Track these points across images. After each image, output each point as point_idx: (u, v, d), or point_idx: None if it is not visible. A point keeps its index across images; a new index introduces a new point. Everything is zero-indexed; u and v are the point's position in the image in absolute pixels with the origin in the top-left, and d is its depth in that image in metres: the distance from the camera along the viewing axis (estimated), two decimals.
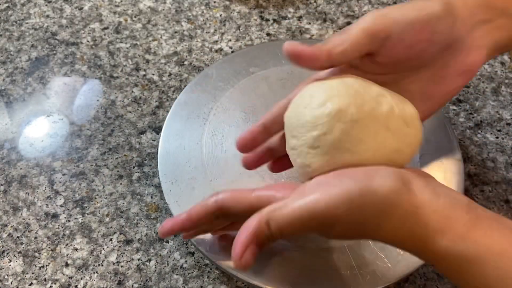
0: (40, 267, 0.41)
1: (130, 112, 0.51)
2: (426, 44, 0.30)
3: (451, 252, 0.26)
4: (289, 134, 0.31)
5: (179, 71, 0.54)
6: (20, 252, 0.42)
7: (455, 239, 0.26)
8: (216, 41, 0.57)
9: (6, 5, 0.61)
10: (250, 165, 0.37)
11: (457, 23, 0.30)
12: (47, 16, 0.60)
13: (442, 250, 0.26)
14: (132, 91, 0.53)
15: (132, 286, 0.40)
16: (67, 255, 0.42)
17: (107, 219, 0.44)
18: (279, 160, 0.37)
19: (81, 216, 0.44)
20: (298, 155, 0.31)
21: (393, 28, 0.29)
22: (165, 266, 0.41)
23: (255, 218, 0.29)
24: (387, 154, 0.29)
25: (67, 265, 0.41)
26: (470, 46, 0.31)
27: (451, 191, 0.29)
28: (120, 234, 0.43)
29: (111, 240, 0.43)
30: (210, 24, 0.59)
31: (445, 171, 0.43)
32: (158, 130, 0.50)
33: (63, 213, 0.44)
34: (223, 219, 0.34)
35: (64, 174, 0.47)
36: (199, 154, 0.44)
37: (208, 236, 0.39)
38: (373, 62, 0.31)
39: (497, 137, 0.49)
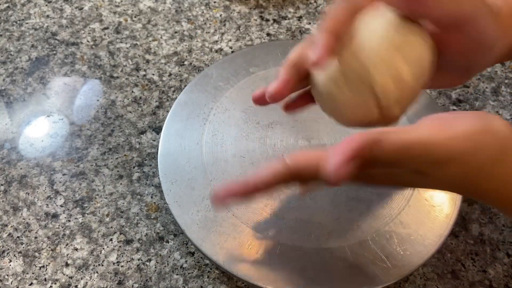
0: (40, 267, 0.41)
1: (130, 112, 0.51)
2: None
3: None
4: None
5: (179, 71, 0.54)
6: (20, 252, 0.42)
7: None
8: (216, 41, 0.57)
9: (6, 5, 0.61)
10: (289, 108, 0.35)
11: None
12: (47, 16, 0.60)
13: None
14: (132, 91, 0.53)
15: (132, 286, 0.40)
16: (67, 255, 0.42)
17: (107, 219, 0.44)
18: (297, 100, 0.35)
19: (81, 216, 0.44)
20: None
21: None
22: (165, 266, 0.41)
23: (361, 138, 0.26)
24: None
25: (67, 265, 0.41)
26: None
27: None
28: (120, 234, 0.43)
29: (111, 240, 0.43)
30: (210, 24, 0.59)
31: None
32: (158, 130, 0.50)
33: (63, 213, 0.44)
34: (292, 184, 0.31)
35: (64, 174, 0.47)
36: (199, 154, 0.44)
37: (208, 236, 0.39)
38: None
39: None
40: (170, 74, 0.54)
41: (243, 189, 0.30)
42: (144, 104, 0.52)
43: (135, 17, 0.60)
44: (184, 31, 0.58)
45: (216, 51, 0.56)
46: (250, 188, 0.30)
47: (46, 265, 0.41)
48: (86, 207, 0.45)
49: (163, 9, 0.60)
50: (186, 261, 0.42)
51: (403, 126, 0.27)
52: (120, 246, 0.42)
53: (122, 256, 0.42)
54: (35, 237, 0.43)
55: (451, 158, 0.26)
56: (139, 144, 0.49)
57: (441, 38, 0.29)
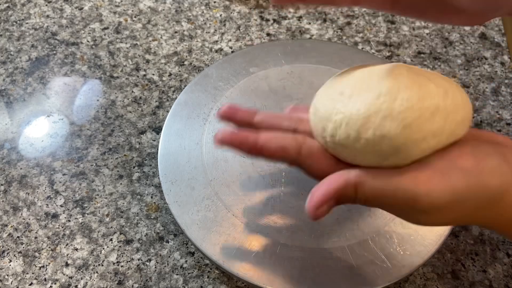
0: (40, 267, 0.41)
1: (130, 112, 0.51)
2: None
3: None
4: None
5: (179, 71, 0.54)
6: (20, 252, 0.42)
7: None
8: (216, 41, 0.57)
9: (6, 5, 0.61)
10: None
11: None
12: (47, 16, 0.60)
13: None
14: (132, 91, 0.53)
15: (132, 286, 0.40)
16: (67, 255, 0.42)
17: (107, 219, 0.44)
18: None
19: (81, 216, 0.44)
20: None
21: None
22: (165, 266, 0.41)
23: (342, 176, 0.27)
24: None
25: (67, 265, 0.41)
26: None
27: None
28: (120, 234, 0.43)
29: (111, 240, 0.43)
30: (210, 24, 0.59)
31: None
32: (158, 130, 0.50)
33: (63, 213, 0.44)
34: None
35: (64, 174, 0.47)
36: (199, 154, 0.44)
37: (208, 236, 0.39)
38: None
39: None
40: (170, 74, 0.54)
41: (247, 145, 0.30)
42: (144, 104, 0.52)
43: (135, 17, 0.60)
44: (184, 31, 0.58)
45: (216, 51, 0.56)
46: (255, 147, 0.29)
47: (46, 265, 0.41)
48: (86, 207, 0.45)
49: (163, 9, 0.60)
50: (186, 261, 0.42)
51: (387, 169, 0.27)
52: (120, 246, 0.42)
53: (122, 256, 0.42)
54: (35, 237, 0.43)
55: (433, 209, 0.25)
56: (139, 144, 0.49)
57: None
